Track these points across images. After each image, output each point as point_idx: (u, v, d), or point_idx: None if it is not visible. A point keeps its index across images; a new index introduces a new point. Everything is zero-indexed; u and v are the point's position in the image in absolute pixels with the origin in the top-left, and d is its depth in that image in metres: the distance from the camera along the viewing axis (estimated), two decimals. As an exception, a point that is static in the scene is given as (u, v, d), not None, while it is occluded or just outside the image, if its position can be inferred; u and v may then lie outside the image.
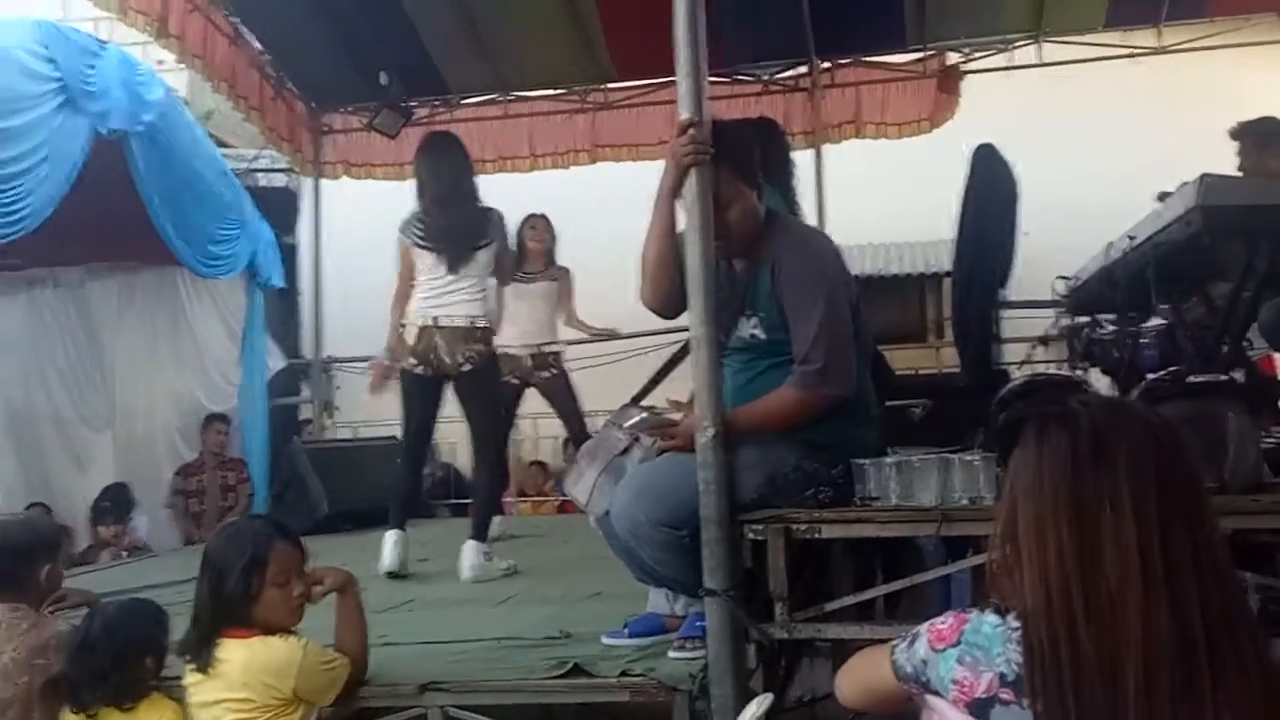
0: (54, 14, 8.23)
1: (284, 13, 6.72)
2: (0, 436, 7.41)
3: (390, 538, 4.58)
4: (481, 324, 4.64)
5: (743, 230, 2.88)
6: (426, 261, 4.62)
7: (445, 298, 4.58)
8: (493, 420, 4.82)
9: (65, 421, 7.71)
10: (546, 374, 5.79)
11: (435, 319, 4.56)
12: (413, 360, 4.60)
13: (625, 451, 2.96)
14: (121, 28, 6.43)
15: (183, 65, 6.73)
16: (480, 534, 4.62)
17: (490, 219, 4.67)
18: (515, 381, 5.75)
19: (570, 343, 6.12)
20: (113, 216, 6.25)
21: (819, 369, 2.74)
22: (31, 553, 2.96)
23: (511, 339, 5.72)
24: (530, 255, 5.90)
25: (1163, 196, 3.43)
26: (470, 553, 4.53)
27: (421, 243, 4.62)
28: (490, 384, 4.78)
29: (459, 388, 4.66)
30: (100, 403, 7.85)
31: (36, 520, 3.65)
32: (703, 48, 2.72)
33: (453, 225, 4.61)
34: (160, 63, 8.07)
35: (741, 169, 2.86)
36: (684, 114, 2.71)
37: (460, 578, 4.48)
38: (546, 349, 5.81)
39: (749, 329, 2.90)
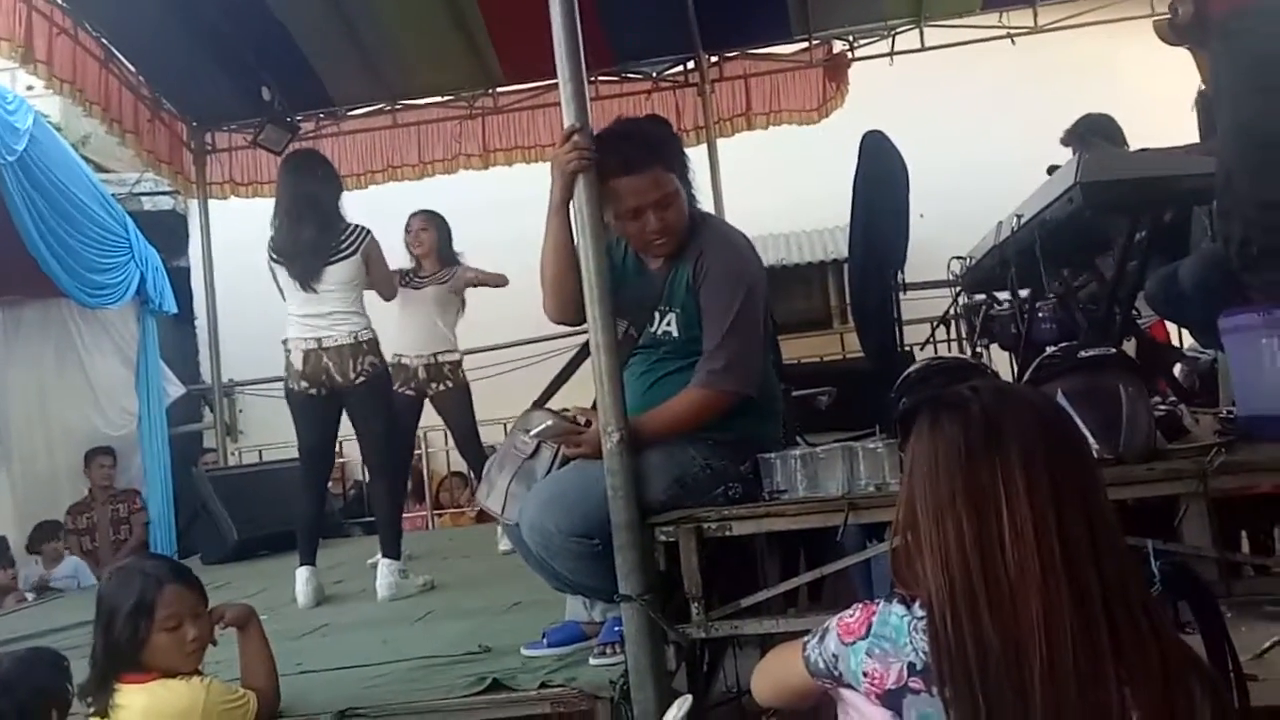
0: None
1: (156, 31, 6.51)
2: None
3: (302, 575, 4.49)
4: (365, 336, 4.54)
5: (679, 228, 2.84)
6: (286, 279, 4.54)
7: (322, 319, 4.49)
8: (386, 434, 4.71)
9: (-44, 464, 7.42)
10: (441, 386, 5.45)
11: (319, 340, 4.47)
12: (304, 383, 4.51)
13: (534, 455, 2.90)
14: (-14, 56, 6.19)
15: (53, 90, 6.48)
16: (392, 551, 4.55)
17: (346, 233, 4.55)
18: (410, 393, 5.43)
19: (471, 351, 5.92)
20: (-9, 251, 6.03)
21: (721, 366, 2.73)
22: None
23: (404, 349, 5.43)
24: (420, 260, 5.56)
25: (1052, 170, 3.52)
26: (385, 571, 4.46)
27: (274, 259, 4.55)
28: (383, 397, 4.69)
29: (351, 404, 4.57)
30: (-8, 442, 7.57)
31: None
32: (581, 53, 2.70)
33: (300, 240, 4.51)
34: (30, 88, 7.82)
35: (677, 167, 2.85)
36: (568, 120, 2.69)
37: (378, 597, 4.41)
38: (442, 358, 5.45)
39: (663, 325, 2.87)
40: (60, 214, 6.08)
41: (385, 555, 4.51)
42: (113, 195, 7.08)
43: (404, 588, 4.46)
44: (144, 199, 9.48)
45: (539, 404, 3.16)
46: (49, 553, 7.01)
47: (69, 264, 6.20)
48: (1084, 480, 1.44)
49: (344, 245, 4.52)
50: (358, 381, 4.49)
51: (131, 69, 6.92)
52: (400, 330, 5.47)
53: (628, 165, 2.75)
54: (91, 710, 2.45)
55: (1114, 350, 2.72)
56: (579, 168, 2.67)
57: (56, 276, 6.14)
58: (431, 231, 5.57)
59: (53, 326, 7.53)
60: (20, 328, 7.57)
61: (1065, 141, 4.77)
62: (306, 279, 4.48)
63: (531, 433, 2.90)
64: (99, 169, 8.36)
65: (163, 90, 7.22)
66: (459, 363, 5.57)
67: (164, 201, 9.72)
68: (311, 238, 4.50)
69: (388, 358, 4.91)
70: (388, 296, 5.01)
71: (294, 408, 4.62)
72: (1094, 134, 4.66)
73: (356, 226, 4.60)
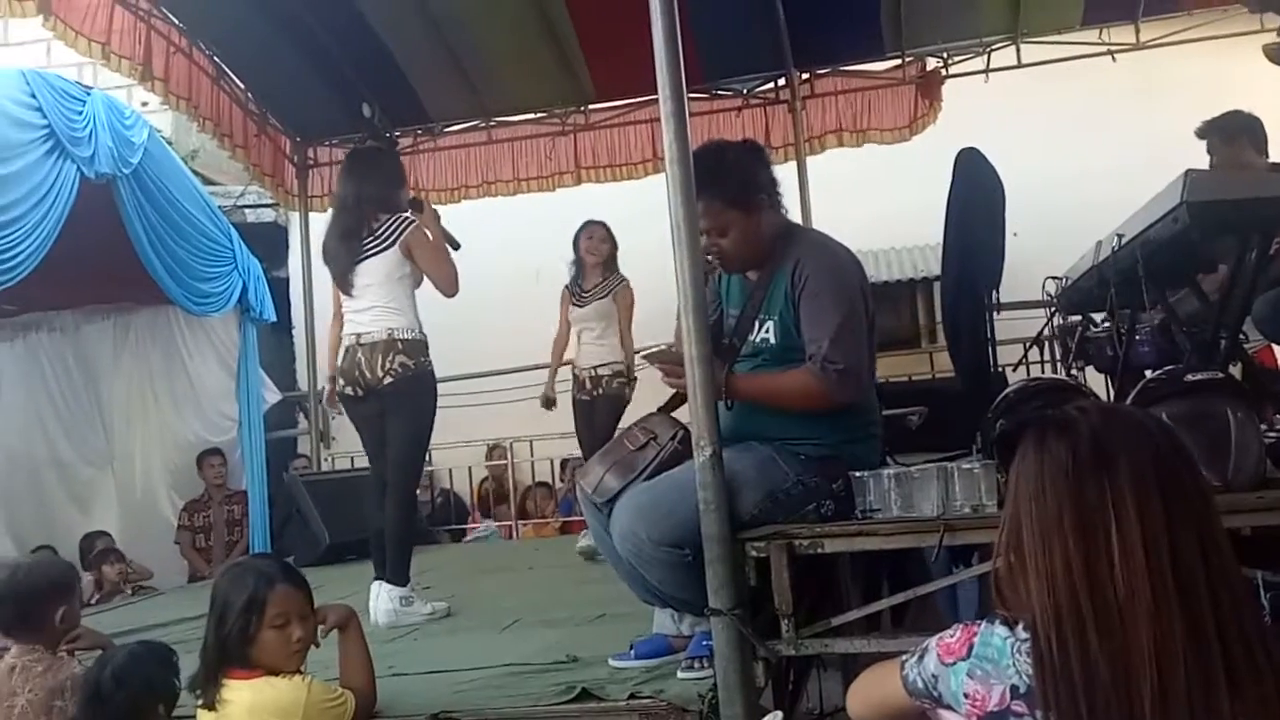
0: (38, 61, 8.31)
1: (265, 49, 6.75)
2: (1, 480, 7.41)
3: (374, 590, 4.24)
4: (404, 335, 4.26)
5: (741, 252, 2.96)
6: (333, 281, 4.48)
7: (362, 315, 4.31)
8: (412, 445, 4.39)
9: (65, 463, 7.74)
10: (598, 391, 5.90)
11: (358, 336, 4.29)
12: (341, 381, 4.37)
13: (641, 448, 2.93)
14: (105, 71, 6.47)
15: (167, 106, 6.74)
16: (398, 576, 4.25)
17: (381, 226, 4.29)
18: (585, 398, 5.95)
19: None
20: (105, 259, 6.28)
21: (841, 370, 2.76)
22: (46, 594, 2.98)
23: (578, 360, 6.01)
24: (587, 268, 5.98)
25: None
26: (385, 597, 4.19)
27: (324, 260, 4.48)
28: (415, 403, 4.31)
29: (385, 407, 4.29)
30: (99, 442, 7.87)
31: (49, 562, 3.62)
32: (682, 70, 2.71)
33: (332, 243, 4.39)
34: (145, 104, 8.15)
35: (729, 198, 2.90)
36: (667, 135, 2.69)
37: (372, 622, 4.03)
38: (600, 371, 5.91)
39: (761, 333, 2.92)
40: (170, 225, 6.31)
41: (388, 580, 4.23)
42: (218, 207, 7.31)
43: (405, 616, 4.18)
44: (247, 211, 9.76)
45: (663, 409, 3.17)
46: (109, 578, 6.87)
47: (177, 273, 6.42)
48: (1197, 504, 1.40)
49: (379, 239, 4.29)
50: (385, 382, 4.22)
51: (240, 86, 7.17)
52: (574, 344, 6.04)
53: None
54: (200, 703, 2.52)
55: (1221, 374, 2.65)
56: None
57: (165, 285, 6.36)
58: (609, 244, 5.98)
59: (160, 333, 7.79)
60: (129, 333, 7.87)
61: (1202, 134, 4.54)
62: (340, 278, 4.37)
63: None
64: (206, 181, 8.63)
65: (269, 106, 7.45)
66: (618, 373, 5.92)
67: (266, 214, 9.99)
68: (338, 240, 4.37)
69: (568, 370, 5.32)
70: (446, 291, 4.38)
71: (345, 412, 4.50)
72: (1242, 133, 4.46)
73: (395, 218, 4.31)
